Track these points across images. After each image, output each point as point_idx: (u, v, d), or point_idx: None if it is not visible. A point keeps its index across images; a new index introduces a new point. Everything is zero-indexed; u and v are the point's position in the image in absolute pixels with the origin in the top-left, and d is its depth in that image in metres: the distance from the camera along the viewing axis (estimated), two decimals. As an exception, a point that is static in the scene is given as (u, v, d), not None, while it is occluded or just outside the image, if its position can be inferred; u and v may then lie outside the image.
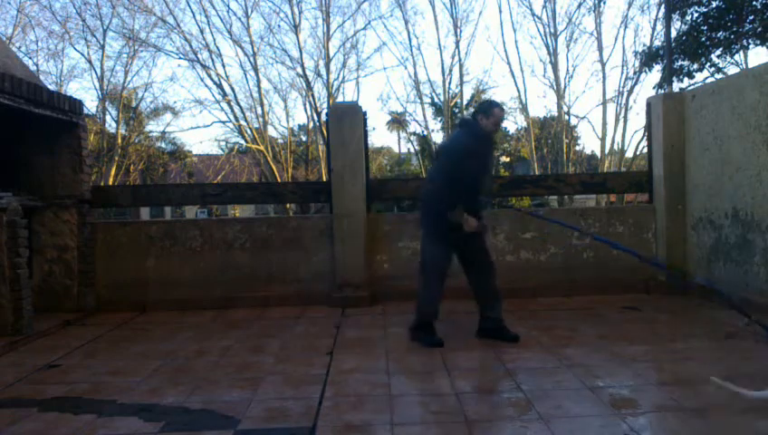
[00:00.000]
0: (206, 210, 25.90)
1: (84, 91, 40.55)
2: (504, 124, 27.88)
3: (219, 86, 21.27)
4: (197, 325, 5.02)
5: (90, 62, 21.02)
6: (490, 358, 3.81)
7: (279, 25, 30.08)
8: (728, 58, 14.00)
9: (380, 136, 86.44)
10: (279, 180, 19.41)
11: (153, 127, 27.85)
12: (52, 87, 10.20)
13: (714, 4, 12.91)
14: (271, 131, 23.07)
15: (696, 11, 13.17)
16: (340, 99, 21.23)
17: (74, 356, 4.17)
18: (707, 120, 5.32)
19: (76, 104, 5.51)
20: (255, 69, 21.12)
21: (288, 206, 17.72)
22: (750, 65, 13.25)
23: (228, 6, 33.33)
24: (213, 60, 20.94)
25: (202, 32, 21.55)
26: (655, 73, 15.66)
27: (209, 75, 21.07)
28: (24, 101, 4.78)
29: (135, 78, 28.34)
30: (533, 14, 23.97)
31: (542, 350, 3.94)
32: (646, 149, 9.75)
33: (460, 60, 22.16)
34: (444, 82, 22.55)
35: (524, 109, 22.47)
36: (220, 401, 3.15)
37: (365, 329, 4.76)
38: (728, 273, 5.06)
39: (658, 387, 3.23)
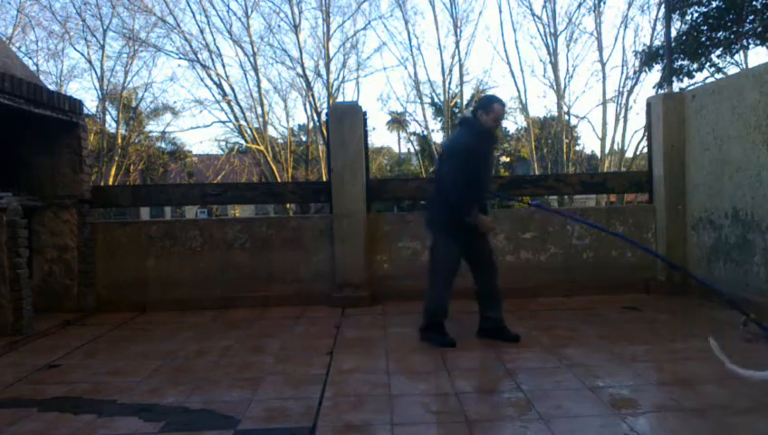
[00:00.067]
0: (206, 210, 25.91)
1: (84, 91, 40.61)
2: (504, 124, 27.91)
3: (219, 86, 21.31)
4: (197, 325, 5.01)
5: (90, 62, 21.08)
6: (490, 358, 3.81)
7: (279, 25, 30.08)
8: (728, 58, 14.03)
9: (380, 136, 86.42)
10: (279, 180, 19.41)
11: (153, 127, 27.89)
12: (52, 87, 10.20)
13: (714, 4, 12.92)
14: (271, 131, 23.12)
15: (696, 11, 13.18)
16: (340, 99, 21.25)
17: (74, 356, 4.17)
18: (707, 120, 5.32)
19: (76, 104, 5.51)
20: (255, 69, 21.16)
21: (288, 206, 17.73)
22: (750, 65, 13.26)
23: (228, 6, 33.33)
24: (213, 60, 21.00)
25: (202, 32, 21.59)
26: (655, 73, 15.68)
27: (209, 75, 21.12)
28: (24, 101, 4.78)
29: (135, 78, 28.36)
30: (533, 14, 24.00)
31: (542, 350, 3.94)
32: (646, 149, 9.75)
33: (460, 60, 22.21)
34: (444, 82, 22.60)
35: (524, 109, 22.51)
36: (220, 401, 3.15)
37: (365, 329, 4.76)
38: (728, 273, 5.06)
39: (658, 387, 3.23)
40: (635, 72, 18.54)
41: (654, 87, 14.62)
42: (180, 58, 22.23)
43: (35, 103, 4.92)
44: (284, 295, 5.75)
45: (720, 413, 2.79)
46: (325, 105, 21.15)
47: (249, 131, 21.63)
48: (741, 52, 13.92)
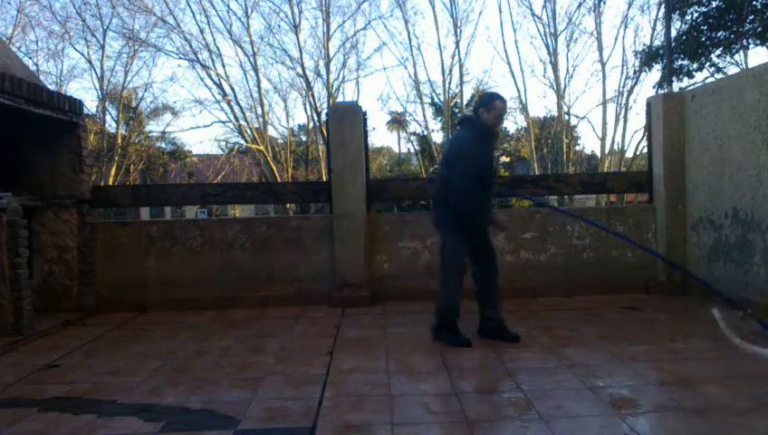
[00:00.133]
0: (206, 210, 25.92)
1: (84, 91, 40.65)
2: (504, 124, 27.88)
3: (219, 86, 21.32)
4: (197, 325, 5.01)
5: (90, 62, 21.09)
6: (490, 358, 3.80)
7: (279, 25, 30.17)
8: (728, 58, 14.04)
9: (380, 136, 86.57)
10: (279, 180, 19.42)
11: (153, 127, 27.93)
12: (52, 87, 10.20)
13: (714, 4, 12.93)
14: (271, 131, 23.13)
15: (696, 11, 13.20)
16: (340, 99, 21.26)
17: (74, 356, 4.17)
18: (707, 120, 5.32)
19: (76, 104, 5.51)
20: (255, 69, 21.17)
21: (288, 206, 17.74)
22: (750, 65, 13.25)
23: (228, 6, 33.42)
24: (213, 60, 21.01)
25: (202, 32, 21.62)
26: (655, 73, 15.70)
27: (209, 75, 21.13)
28: (24, 101, 4.78)
29: (135, 78, 28.43)
30: (533, 14, 24.07)
31: (542, 350, 3.94)
32: (646, 150, 9.75)
33: (460, 60, 22.21)
34: (444, 82, 22.61)
35: (524, 109, 22.52)
36: (220, 401, 3.15)
37: (365, 329, 4.75)
38: (728, 273, 5.06)
39: (658, 387, 3.23)
40: (635, 72, 18.57)
41: (654, 87, 14.65)
42: (180, 58, 22.30)
43: (35, 103, 4.92)
44: (284, 295, 5.75)
45: (720, 413, 2.79)
46: (325, 105, 21.17)
47: (249, 131, 21.64)
48: (741, 52, 13.93)
